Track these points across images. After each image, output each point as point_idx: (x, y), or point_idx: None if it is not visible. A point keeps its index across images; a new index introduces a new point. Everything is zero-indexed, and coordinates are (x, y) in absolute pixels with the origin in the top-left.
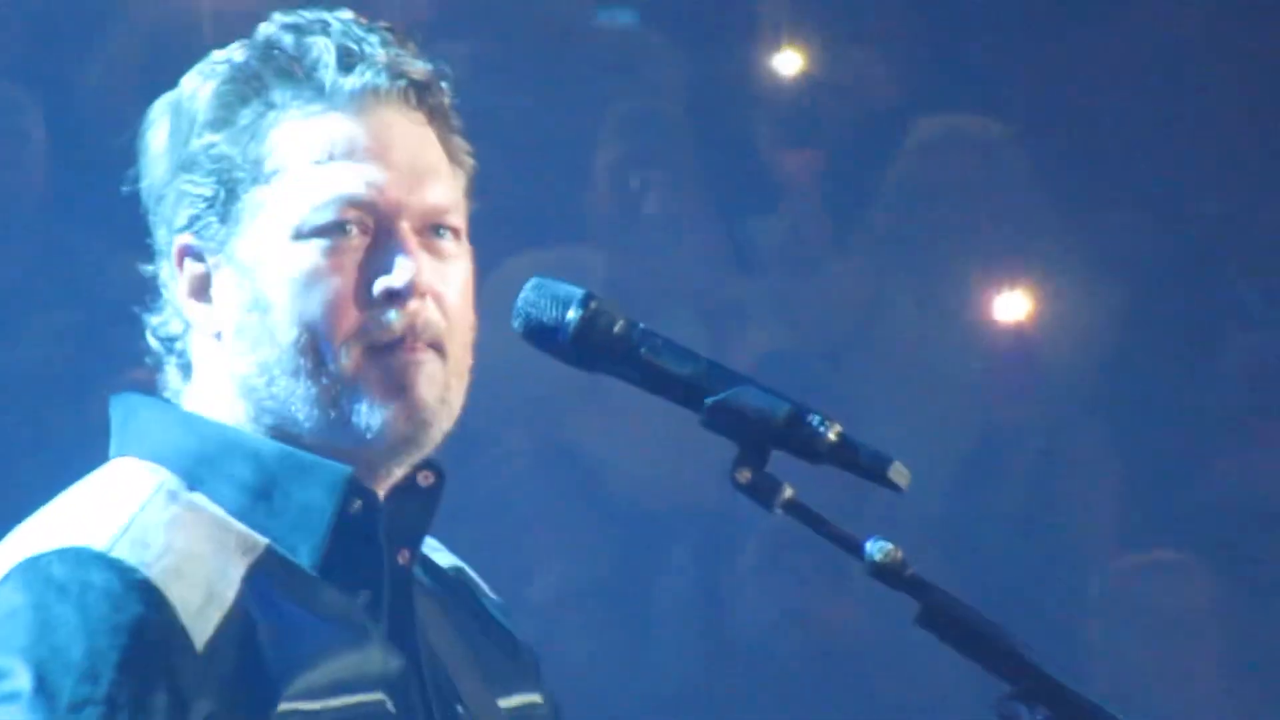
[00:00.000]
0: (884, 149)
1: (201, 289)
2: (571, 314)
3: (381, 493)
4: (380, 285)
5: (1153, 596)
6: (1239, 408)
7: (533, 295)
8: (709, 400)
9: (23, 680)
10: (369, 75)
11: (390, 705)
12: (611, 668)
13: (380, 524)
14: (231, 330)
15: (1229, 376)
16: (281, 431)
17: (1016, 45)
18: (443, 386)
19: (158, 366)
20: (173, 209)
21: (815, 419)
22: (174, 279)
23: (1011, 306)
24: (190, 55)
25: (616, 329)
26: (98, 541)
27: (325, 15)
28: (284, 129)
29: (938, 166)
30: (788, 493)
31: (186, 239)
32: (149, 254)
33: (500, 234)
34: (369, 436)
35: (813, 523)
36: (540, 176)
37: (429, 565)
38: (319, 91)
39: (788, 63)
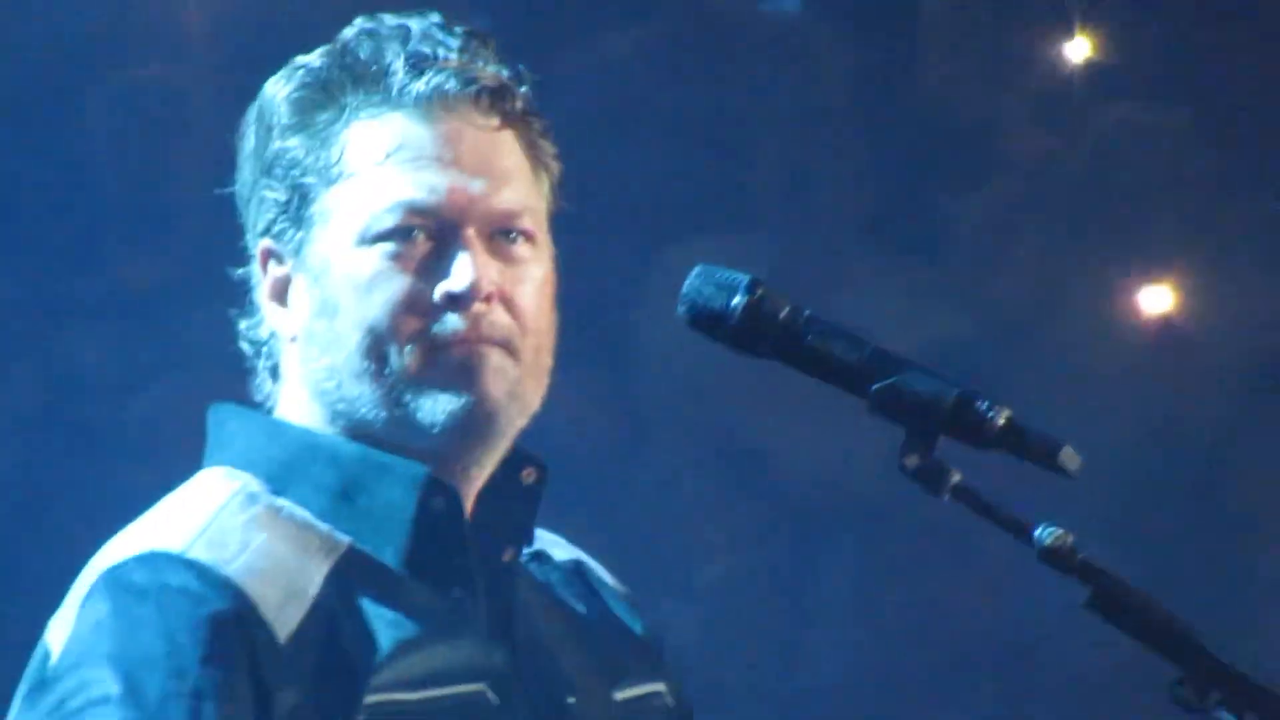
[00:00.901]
0: (1057, 134)
1: (281, 293)
2: (737, 300)
3: (472, 490)
4: (441, 289)
5: None
6: None
7: (698, 282)
8: (876, 386)
9: (112, 685)
10: (438, 80)
11: (491, 696)
12: (776, 657)
13: (462, 521)
14: (304, 335)
15: None
16: (357, 434)
17: (1199, 31)
18: (512, 381)
19: (250, 371)
20: (256, 213)
21: (984, 404)
22: (259, 283)
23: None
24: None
25: (782, 315)
26: (175, 544)
27: (408, 19)
28: (353, 133)
29: (1118, 154)
30: (956, 478)
31: (267, 243)
32: (243, 258)
33: (665, 222)
34: (434, 431)
35: (982, 508)
36: (705, 164)
37: (545, 560)
38: (388, 96)
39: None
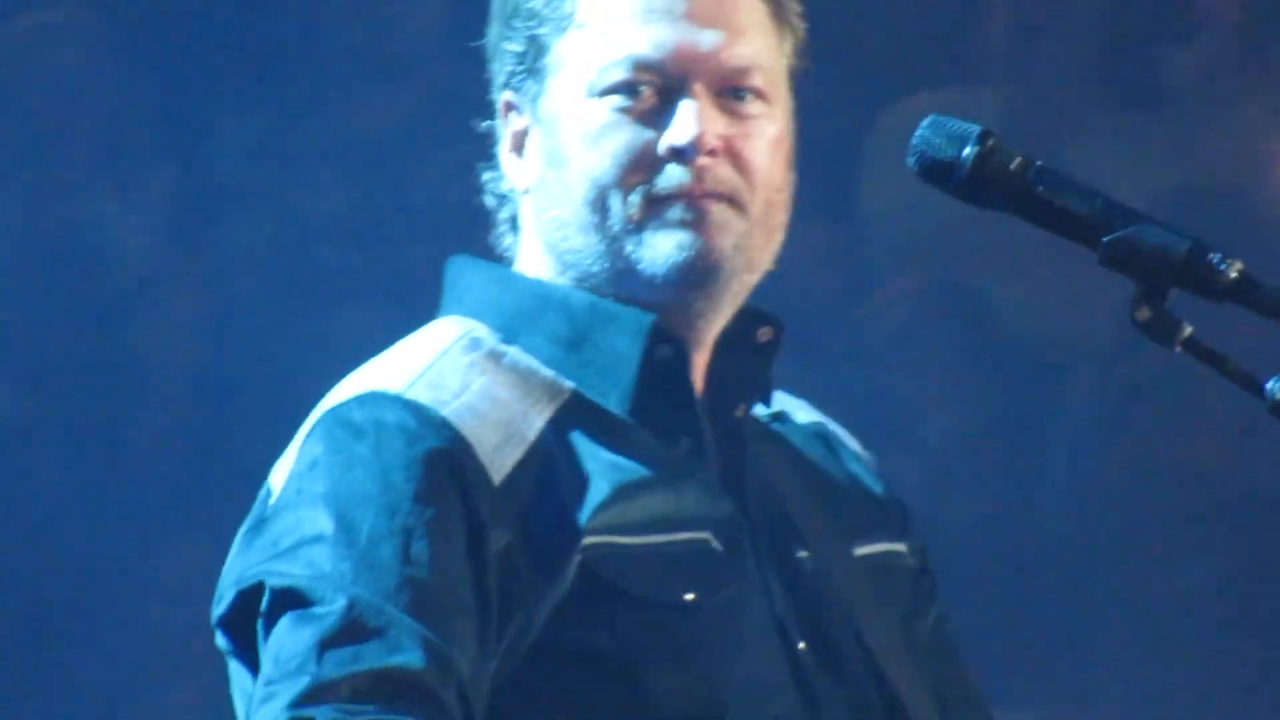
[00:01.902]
0: None
1: (518, 145)
2: (967, 150)
3: (702, 344)
4: (665, 142)
5: None
6: None
7: (928, 132)
8: (1107, 237)
9: (325, 523)
10: None
11: (716, 544)
12: (1005, 510)
13: (688, 371)
14: (536, 186)
15: None
16: (584, 286)
17: None
18: (737, 235)
19: (491, 223)
20: (499, 65)
21: (1216, 256)
22: (501, 136)
23: None
24: None
25: (1013, 165)
26: (394, 385)
27: None
28: None
29: None
30: (1187, 331)
31: (508, 95)
32: (490, 111)
33: (893, 75)
34: (656, 282)
35: (1213, 361)
36: (934, 17)
37: (786, 420)
38: None
39: None
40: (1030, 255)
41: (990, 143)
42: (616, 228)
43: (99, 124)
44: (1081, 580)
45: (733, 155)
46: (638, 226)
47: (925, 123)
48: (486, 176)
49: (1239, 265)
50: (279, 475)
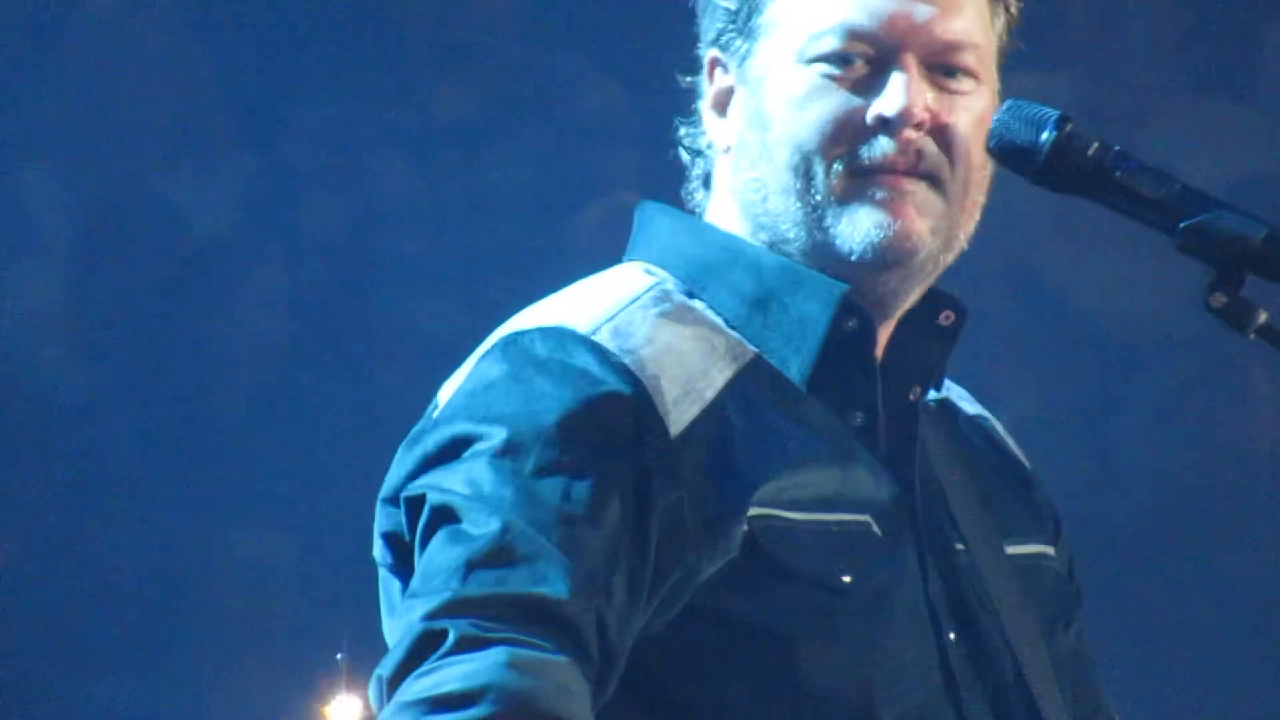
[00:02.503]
0: None
1: (722, 103)
2: (1045, 135)
3: (888, 321)
4: (874, 111)
5: None
6: None
7: (1006, 116)
8: (1184, 223)
9: (495, 439)
10: None
11: (876, 529)
12: (1082, 493)
13: (873, 345)
14: (737, 145)
15: None
16: (778, 249)
17: None
18: (937, 215)
19: (685, 178)
20: (709, 21)
21: None
22: (704, 92)
23: None
24: None
25: (1091, 151)
26: (581, 325)
27: None
28: None
29: None
30: (1263, 317)
31: (715, 53)
32: (694, 67)
33: None
34: (852, 258)
35: None
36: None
37: (952, 409)
38: None
39: None
40: (1107, 240)
41: (1068, 127)
42: (817, 197)
43: (181, 106)
44: (1150, 565)
45: (938, 131)
46: (839, 200)
47: (1003, 107)
48: (683, 131)
49: None
50: (447, 390)
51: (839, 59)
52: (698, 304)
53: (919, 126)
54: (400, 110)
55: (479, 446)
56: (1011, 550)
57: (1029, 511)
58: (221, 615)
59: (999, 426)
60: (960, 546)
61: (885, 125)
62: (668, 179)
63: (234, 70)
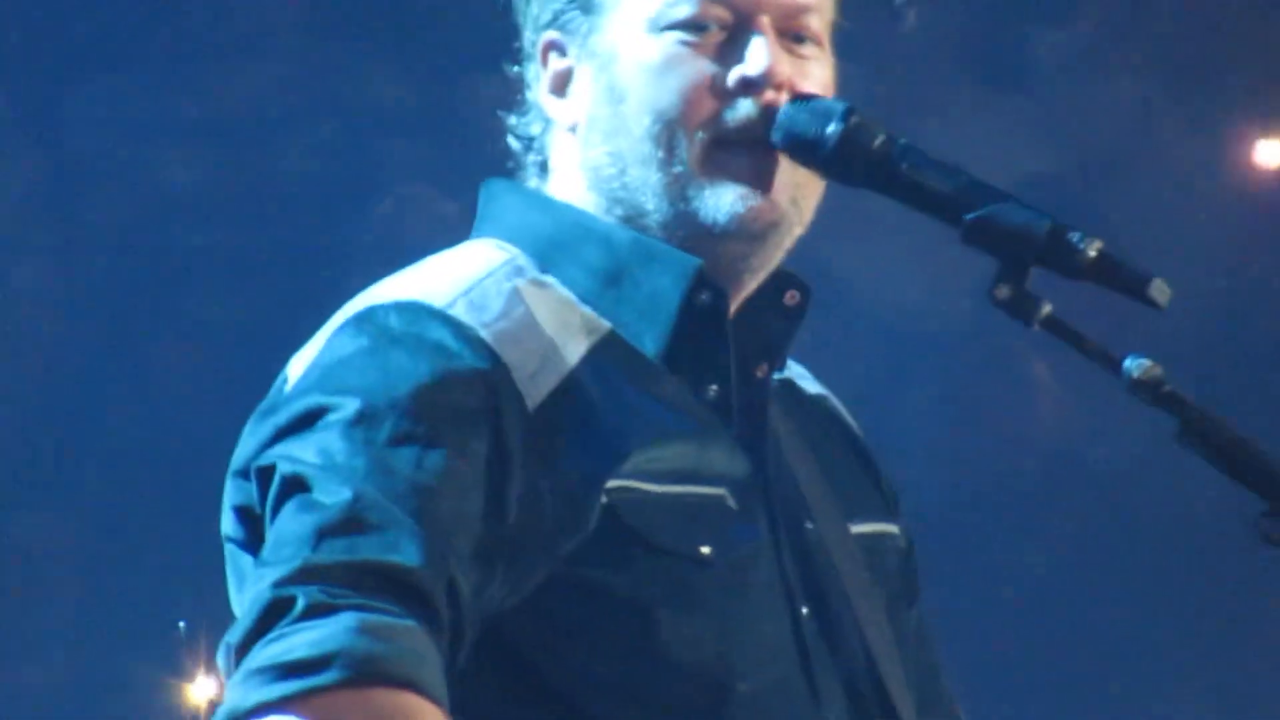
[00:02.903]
0: None
1: (561, 84)
2: (832, 128)
3: (738, 297)
4: (736, 74)
5: None
6: None
7: (793, 109)
8: (969, 216)
9: (348, 410)
10: None
11: (731, 502)
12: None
13: (726, 320)
14: (586, 122)
15: None
16: (633, 224)
17: None
18: (795, 186)
19: (517, 166)
20: (540, 5)
21: (1076, 235)
22: (538, 77)
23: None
24: None
25: (877, 143)
26: (437, 299)
27: None
28: None
29: None
30: (1046, 309)
31: (551, 35)
32: (516, 57)
33: None
34: (715, 231)
35: (1072, 339)
36: None
37: (794, 390)
38: None
39: None
40: (893, 232)
41: (854, 120)
42: (679, 168)
43: None
44: (934, 557)
45: (793, 92)
46: (702, 171)
47: (789, 100)
48: (514, 120)
49: (1099, 244)
50: (297, 365)
51: (695, 25)
52: (550, 279)
53: (779, 87)
54: (185, 102)
55: (332, 417)
56: (857, 529)
57: (872, 489)
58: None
59: (839, 405)
60: (809, 525)
61: (748, 87)
62: (455, 170)
63: (11, 60)
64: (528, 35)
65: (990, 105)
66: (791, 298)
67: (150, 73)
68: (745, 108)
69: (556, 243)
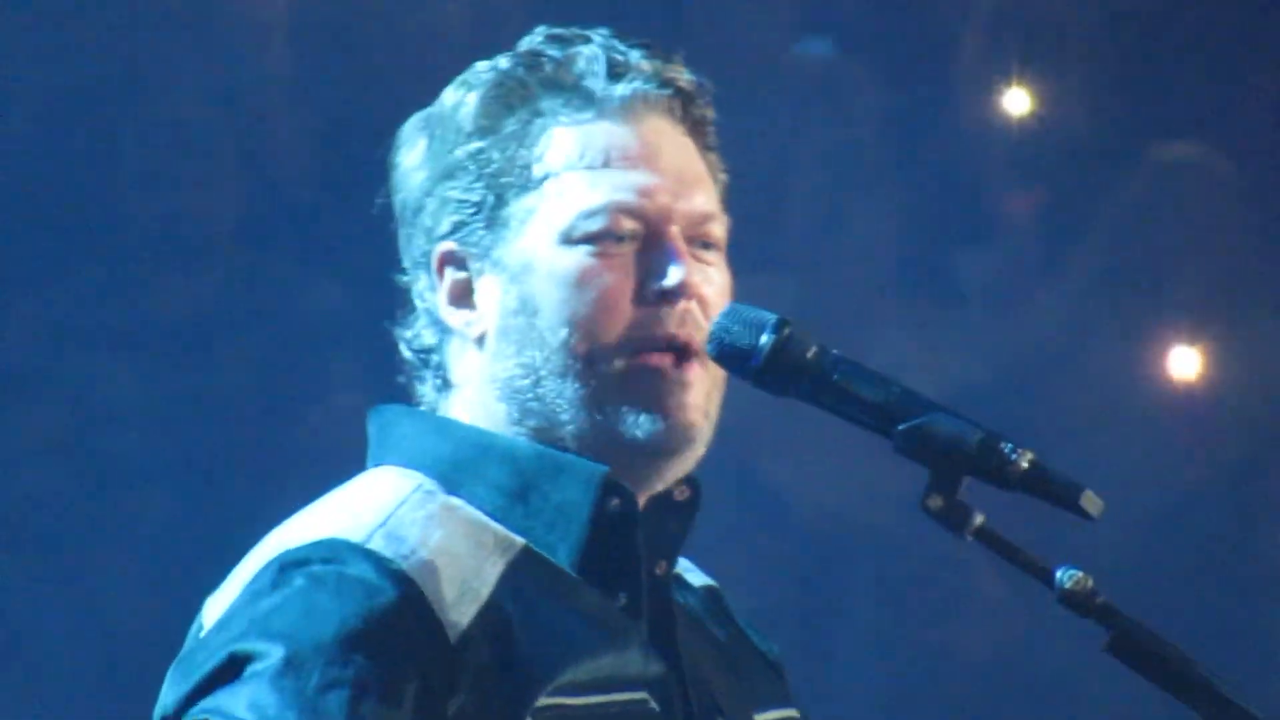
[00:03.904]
0: (1089, 182)
1: (460, 295)
2: (764, 339)
3: (644, 500)
4: (653, 286)
5: None
6: None
7: (726, 320)
8: (901, 426)
9: (274, 660)
10: (638, 83)
11: (654, 705)
12: (799, 697)
13: (638, 524)
14: (495, 333)
15: None
16: (545, 434)
17: (1222, 76)
18: (706, 395)
19: (413, 379)
20: (434, 218)
21: (1008, 446)
22: (433, 288)
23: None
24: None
25: (809, 354)
26: (355, 535)
27: (588, 29)
28: (554, 135)
29: (1145, 201)
30: (979, 520)
31: (449, 246)
32: (401, 267)
33: None
34: (635, 447)
35: (1004, 550)
36: (736, 202)
37: (682, 582)
38: (588, 99)
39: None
40: (825, 442)
41: (787, 331)
42: (598, 382)
43: None
44: None
45: (701, 302)
46: (620, 386)
47: (723, 310)
48: (408, 333)
49: (1030, 455)
50: (215, 610)
51: (610, 236)
52: (458, 500)
53: (691, 299)
54: (120, 309)
55: (258, 666)
56: (762, 718)
57: (770, 674)
58: None
59: (723, 593)
60: (721, 719)
61: (664, 297)
62: (390, 381)
63: None
64: (418, 244)
65: (921, 316)
66: (682, 493)
67: (86, 281)
68: (662, 318)
69: (459, 464)
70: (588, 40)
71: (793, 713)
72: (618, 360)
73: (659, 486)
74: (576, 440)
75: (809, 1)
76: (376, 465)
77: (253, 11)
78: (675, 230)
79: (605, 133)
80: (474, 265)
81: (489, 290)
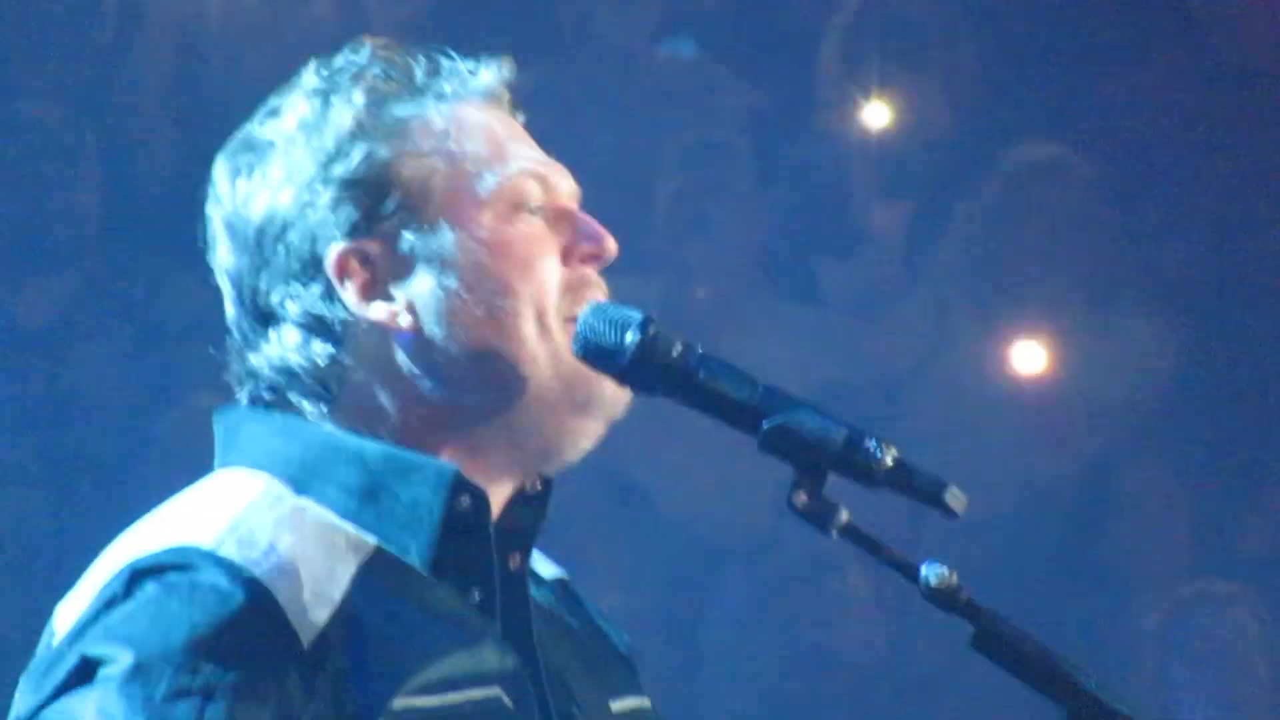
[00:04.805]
0: (948, 187)
1: (370, 290)
2: (630, 337)
3: (500, 496)
4: (586, 248)
5: (1204, 630)
6: None
7: (591, 318)
8: (766, 423)
9: (123, 667)
10: (489, 77)
11: (507, 700)
12: (666, 693)
13: (489, 521)
14: (423, 314)
15: None
16: (488, 411)
17: (1079, 78)
18: None
19: (298, 390)
20: (321, 224)
21: (872, 443)
22: (328, 294)
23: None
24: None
25: (674, 352)
26: (205, 540)
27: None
28: (449, 115)
29: (1002, 203)
30: (844, 516)
31: (348, 245)
32: (241, 299)
33: None
34: (604, 404)
35: (869, 546)
36: (601, 204)
37: (533, 574)
38: (462, 85)
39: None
40: (690, 440)
41: (652, 329)
42: (553, 345)
43: None
44: None
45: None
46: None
47: (588, 309)
48: (269, 353)
49: (894, 452)
50: (66, 617)
51: (526, 207)
52: (308, 501)
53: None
54: None
55: (108, 671)
56: (616, 707)
57: (622, 664)
58: None
59: (574, 583)
60: (576, 710)
61: (597, 259)
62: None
63: None
64: (297, 257)
65: (784, 317)
66: (534, 485)
67: None
68: (593, 281)
69: (307, 465)
70: (416, 46)
71: (644, 702)
72: (557, 332)
73: (513, 478)
74: (538, 401)
75: (672, 3)
76: (224, 467)
77: (112, 10)
78: (575, 206)
79: (485, 116)
80: (384, 258)
81: (410, 276)
